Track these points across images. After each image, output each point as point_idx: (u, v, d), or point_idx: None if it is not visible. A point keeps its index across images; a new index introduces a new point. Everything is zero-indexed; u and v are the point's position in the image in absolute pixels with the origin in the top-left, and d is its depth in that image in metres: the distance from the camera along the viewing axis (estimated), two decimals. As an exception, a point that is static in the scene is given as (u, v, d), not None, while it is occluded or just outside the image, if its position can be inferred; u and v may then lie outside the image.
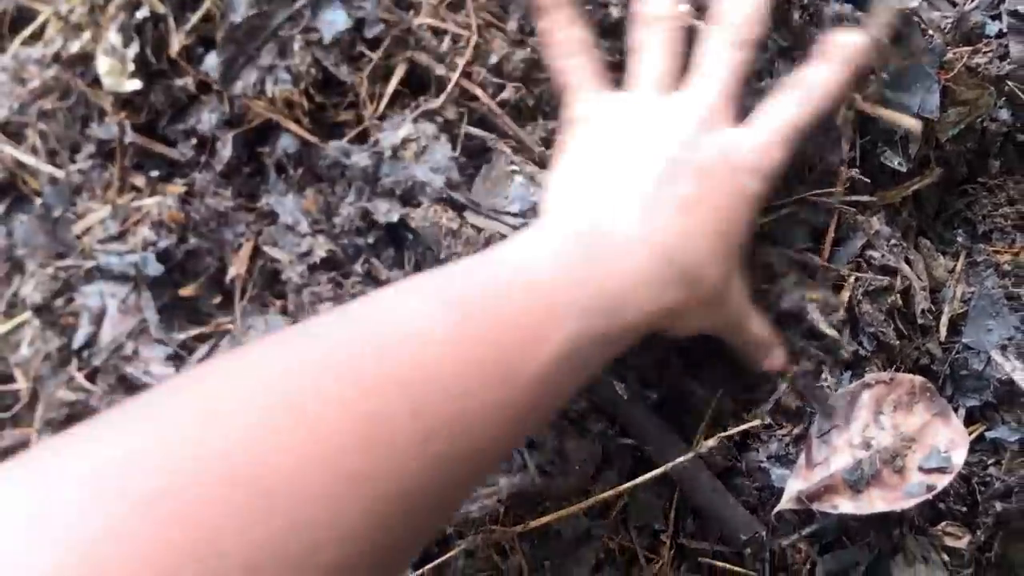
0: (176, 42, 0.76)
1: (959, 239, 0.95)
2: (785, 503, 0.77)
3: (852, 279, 0.84)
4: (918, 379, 0.81)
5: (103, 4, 0.80)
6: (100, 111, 0.82)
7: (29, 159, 0.85)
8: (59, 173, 0.83)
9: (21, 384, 0.82)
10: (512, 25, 0.77)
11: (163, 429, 0.40)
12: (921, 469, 0.78)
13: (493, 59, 0.76)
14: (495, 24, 0.77)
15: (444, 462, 0.46)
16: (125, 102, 0.80)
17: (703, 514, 0.78)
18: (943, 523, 0.84)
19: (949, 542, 0.84)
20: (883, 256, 0.87)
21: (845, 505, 0.77)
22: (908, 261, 0.88)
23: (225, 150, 0.78)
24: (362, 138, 0.77)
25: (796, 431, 0.80)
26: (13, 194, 0.88)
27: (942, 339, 0.88)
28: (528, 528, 0.71)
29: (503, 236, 0.76)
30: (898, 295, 0.84)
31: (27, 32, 0.88)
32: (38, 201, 0.84)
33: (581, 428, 0.76)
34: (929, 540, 0.84)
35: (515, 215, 0.76)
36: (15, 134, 0.86)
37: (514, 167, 0.76)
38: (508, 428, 0.51)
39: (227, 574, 0.35)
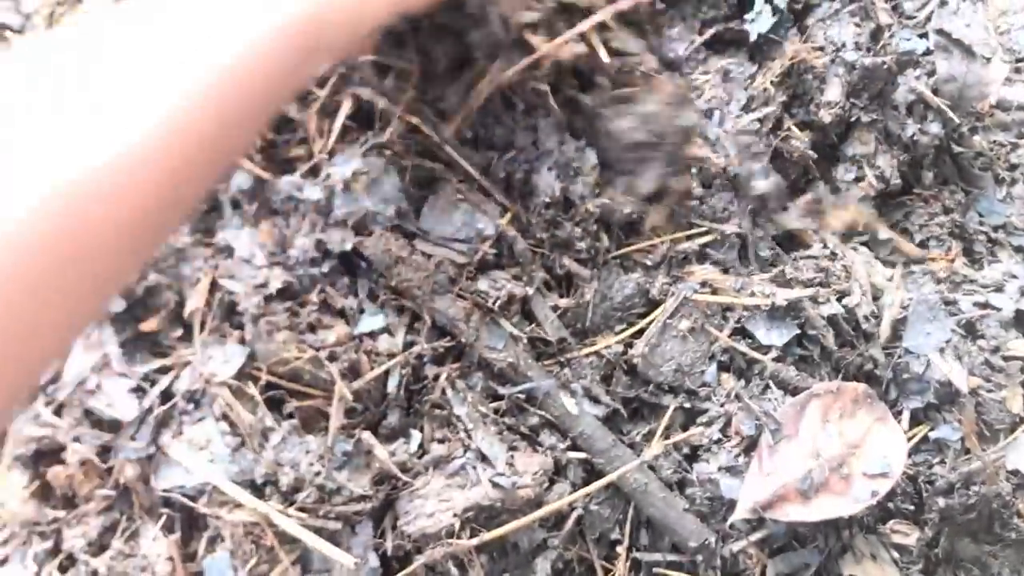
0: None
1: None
2: (740, 513, 0.80)
3: (798, 284, 0.88)
4: (860, 386, 0.84)
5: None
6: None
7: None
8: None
9: (-10, 422, 0.83)
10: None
11: None
12: (865, 475, 0.81)
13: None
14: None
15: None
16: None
17: (655, 524, 0.81)
18: (892, 521, 0.87)
19: (898, 539, 0.87)
20: (823, 263, 0.91)
21: (796, 512, 0.80)
22: (847, 269, 0.91)
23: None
24: (314, 172, 0.80)
25: (745, 442, 0.82)
26: (-21, 238, 0.89)
27: (883, 344, 0.92)
28: (485, 541, 0.73)
29: (451, 262, 0.79)
30: (835, 301, 0.87)
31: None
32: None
33: (533, 442, 0.79)
34: (879, 538, 0.87)
35: (462, 241, 0.79)
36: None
37: (459, 196, 0.80)
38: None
39: None
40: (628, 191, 0.82)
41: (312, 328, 0.77)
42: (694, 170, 0.86)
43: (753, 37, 0.93)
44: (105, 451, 0.76)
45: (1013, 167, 1.21)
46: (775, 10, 0.92)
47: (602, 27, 0.78)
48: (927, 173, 1.04)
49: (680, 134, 0.81)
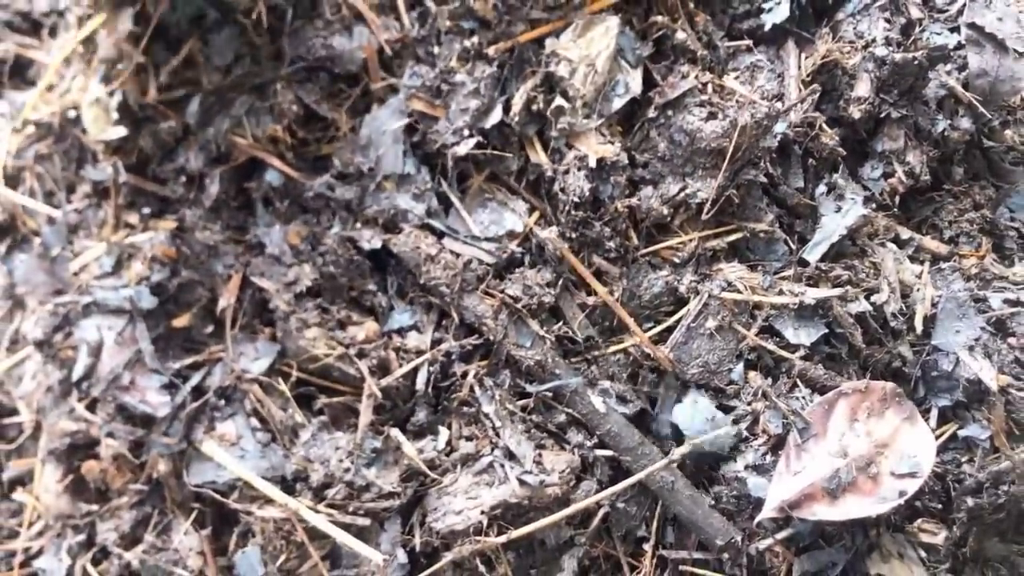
0: (153, 89, 0.79)
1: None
2: (767, 512, 0.80)
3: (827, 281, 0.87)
4: (889, 385, 0.83)
5: (90, 55, 0.84)
6: (93, 153, 0.86)
7: (28, 201, 0.88)
8: (56, 213, 0.87)
9: (25, 416, 0.85)
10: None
11: None
12: (893, 474, 0.81)
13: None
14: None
15: None
16: (117, 146, 0.84)
17: (682, 521, 0.81)
18: (919, 520, 0.87)
19: (926, 538, 0.86)
20: (852, 261, 0.90)
21: (823, 512, 0.80)
22: (876, 266, 0.91)
23: (213, 186, 0.82)
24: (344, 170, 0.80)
25: (772, 441, 0.82)
26: (13, 235, 0.91)
27: (912, 341, 0.91)
28: (512, 538, 0.74)
29: (480, 261, 0.79)
30: (864, 299, 0.87)
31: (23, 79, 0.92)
32: (37, 241, 0.87)
33: (560, 440, 0.79)
34: (906, 537, 0.87)
35: (490, 240, 0.79)
36: (13, 177, 0.90)
37: (487, 195, 0.80)
38: None
39: None
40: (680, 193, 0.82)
41: (342, 325, 0.77)
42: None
43: (767, 27, 0.92)
44: (138, 446, 0.77)
45: (1045, 161, 1.20)
46: (794, 1, 0.91)
47: None
48: (957, 169, 1.03)
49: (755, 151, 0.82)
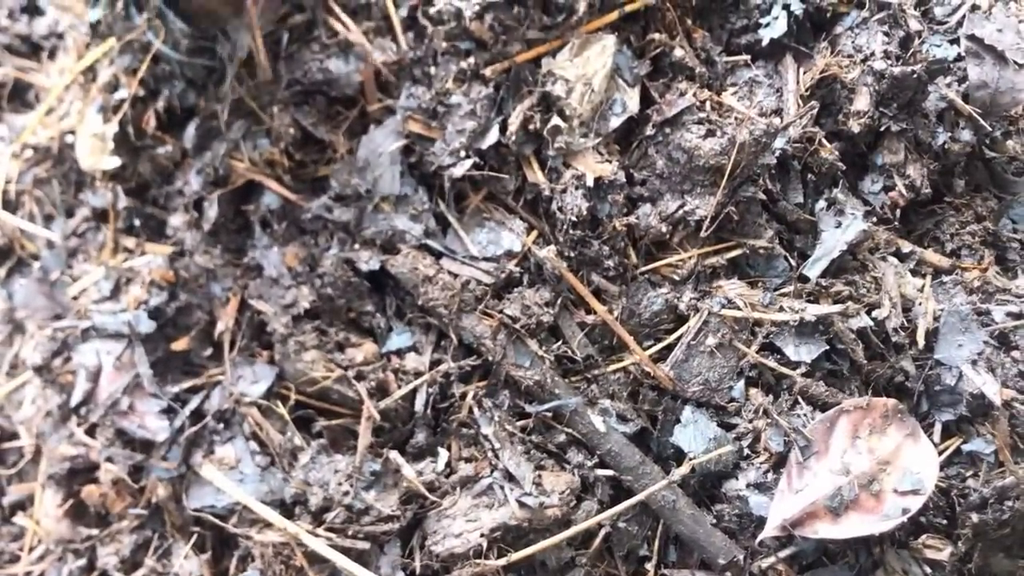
0: (152, 119, 0.80)
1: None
2: (769, 531, 0.79)
3: (828, 297, 0.87)
4: (891, 401, 0.83)
5: (88, 83, 0.84)
6: (92, 178, 0.86)
7: (27, 225, 0.89)
8: (55, 237, 0.87)
9: (25, 441, 0.85)
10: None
11: None
12: (896, 492, 0.80)
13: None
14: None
15: None
16: (115, 172, 0.84)
17: (684, 540, 0.80)
18: (924, 536, 0.86)
19: (930, 555, 0.86)
20: (852, 276, 0.90)
21: (826, 530, 0.79)
22: (877, 281, 0.90)
23: (211, 210, 0.82)
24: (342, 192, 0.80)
25: (774, 458, 0.82)
26: (12, 258, 0.91)
27: (915, 355, 0.90)
28: (512, 561, 0.73)
29: (478, 281, 0.79)
30: (865, 314, 0.86)
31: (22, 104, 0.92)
32: (36, 265, 0.88)
33: (560, 460, 0.79)
34: (910, 554, 0.86)
35: (488, 259, 0.79)
36: (12, 201, 0.90)
37: (485, 215, 0.80)
38: None
39: None
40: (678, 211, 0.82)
41: (340, 347, 0.77)
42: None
43: (765, 42, 0.92)
44: (137, 470, 0.77)
45: (1048, 171, 1.19)
46: (791, 16, 0.90)
47: None
48: (958, 181, 1.03)
49: (754, 168, 0.81)
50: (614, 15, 0.82)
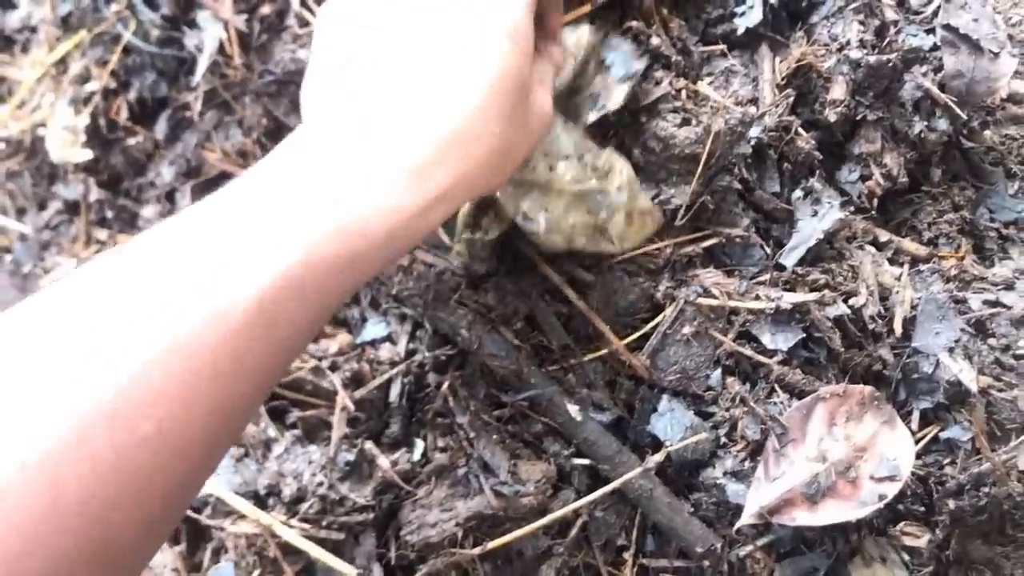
0: (123, 111, 0.79)
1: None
2: (746, 519, 0.79)
3: (804, 285, 0.87)
4: (867, 389, 0.83)
5: (60, 74, 0.83)
6: (64, 170, 0.85)
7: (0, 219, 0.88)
8: (28, 231, 0.87)
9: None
10: None
11: None
12: (873, 478, 0.80)
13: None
14: None
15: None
16: (87, 165, 0.84)
17: (662, 529, 0.80)
18: (902, 523, 0.86)
19: (908, 542, 0.86)
20: (829, 264, 0.90)
21: (803, 517, 0.79)
22: (854, 269, 0.91)
23: (184, 200, 0.82)
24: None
25: (751, 446, 0.82)
26: (-16, 251, 0.91)
27: (892, 344, 0.91)
28: (488, 550, 0.73)
29: (453, 272, 0.79)
30: (842, 302, 0.86)
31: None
32: (8, 257, 0.87)
33: (537, 449, 0.79)
34: (888, 541, 0.86)
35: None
36: (-16, 194, 0.90)
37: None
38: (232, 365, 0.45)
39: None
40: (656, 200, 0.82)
41: (315, 337, 0.77)
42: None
43: (741, 31, 0.92)
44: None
45: (1025, 161, 1.20)
46: (767, 5, 0.90)
47: None
48: (935, 170, 1.03)
49: (729, 157, 0.82)
50: (587, 7, 0.82)
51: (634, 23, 0.84)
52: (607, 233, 0.78)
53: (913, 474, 0.86)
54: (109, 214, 0.81)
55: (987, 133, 1.15)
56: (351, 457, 0.74)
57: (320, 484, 0.72)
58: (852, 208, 0.96)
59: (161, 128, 0.81)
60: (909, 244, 0.97)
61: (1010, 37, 1.27)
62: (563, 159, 0.72)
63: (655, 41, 0.84)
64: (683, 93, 0.84)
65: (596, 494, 0.76)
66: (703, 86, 0.86)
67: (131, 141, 0.81)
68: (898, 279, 0.95)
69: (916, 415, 0.90)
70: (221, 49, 0.78)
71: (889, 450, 0.81)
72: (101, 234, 0.83)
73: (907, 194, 1.02)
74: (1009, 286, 0.97)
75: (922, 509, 0.87)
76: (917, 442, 0.89)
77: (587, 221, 0.76)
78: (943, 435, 0.90)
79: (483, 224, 0.75)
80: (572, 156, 0.72)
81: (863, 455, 0.81)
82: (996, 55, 0.99)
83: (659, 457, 0.76)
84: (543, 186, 0.71)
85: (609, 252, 0.80)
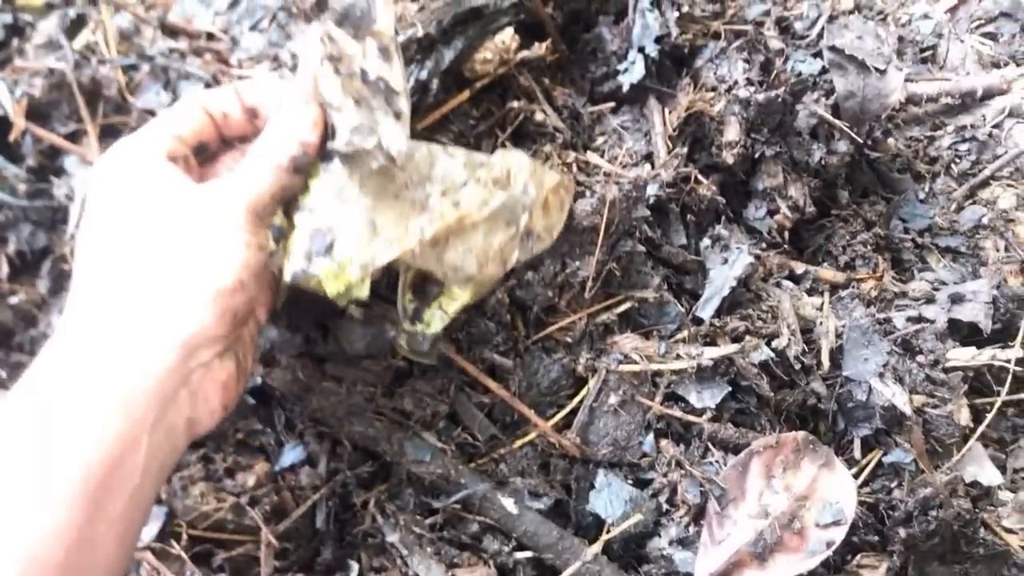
0: (3, 267, 0.77)
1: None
2: (697, 588, 0.78)
3: (724, 335, 0.86)
4: (800, 435, 0.82)
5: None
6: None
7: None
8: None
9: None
10: None
11: None
12: (818, 525, 0.79)
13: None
14: None
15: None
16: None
17: (615, 608, 0.79)
18: (859, 556, 0.85)
19: (867, 574, 0.85)
20: (747, 310, 0.89)
21: (754, 577, 0.78)
22: (772, 310, 0.90)
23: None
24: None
25: (693, 511, 0.80)
26: None
27: (824, 375, 0.90)
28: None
29: (364, 381, 0.77)
30: (765, 346, 0.86)
31: None
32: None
33: (476, 551, 0.77)
34: (847, 576, 0.85)
35: (371, 357, 0.77)
36: None
37: (366, 309, 0.78)
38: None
39: None
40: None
41: (230, 472, 0.75)
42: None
43: (626, 88, 0.91)
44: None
45: (932, 160, 1.21)
46: (648, 59, 0.90)
47: None
48: (842, 192, 1.03)
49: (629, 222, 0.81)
50: (466, 93, 0.80)
51: (516, 103, 0.83)
52: (533, 232, 0.75)
53: (862, 503, 0.85)
54: (3, 373, 0.78)
55: (891, 141, 1.16)
56: (284, 592, 0.72)
57: (254, 628, 0.70)
58: (764, 245, 0.96)
59: (43, 282, 0.78)
60: (826, 272, 0.97)
61: (900, 39, 1.29)
62: (461, 188, 0.68)
63: (539, 118, 0.83)
64: (574, 166, 0.83)
65: (545, 588, 0.74)
66: (593, 156, 0.85)
67: (13, 300, 0.78)
68: (819, 309, 0.95)
69: (857, 443, 0.90)
70: (92, 193, 0.75)
71: (831, 494, 0.81)
72: (-3, 396, 0.80)
73: (818, 220, 1.02)
74: (930, 299, 0.98)
75: (876, 538, 0.86)
76: (861, 470, 0.89)
77: (510, 234, 0.73)
78: (886, 459, 0.90)
79: (425, 317, 0.73)
80: (468, 180, 0.69)
81: (805, 503, 0.80)
82: (883, 72, 1.00)
83: (596, 549, 0.75)
84: (455, 229, 0.68)
85: (544, 248, 0.77)
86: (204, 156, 0.66)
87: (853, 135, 0.97)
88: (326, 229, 0.62)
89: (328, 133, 0.63)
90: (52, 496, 0.49)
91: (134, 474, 0.53)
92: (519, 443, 0.81)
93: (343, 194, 0.63)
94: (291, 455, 0.76)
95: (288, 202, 0.63)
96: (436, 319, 0.72)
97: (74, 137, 0.78)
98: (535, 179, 0.73)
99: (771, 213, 0.96)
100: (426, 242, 0.66)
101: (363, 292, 0.63)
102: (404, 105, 0.65)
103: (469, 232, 0.69)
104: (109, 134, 0.79)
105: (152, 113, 0.82)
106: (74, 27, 0.82)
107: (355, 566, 0.74)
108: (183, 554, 0.72)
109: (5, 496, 0.49)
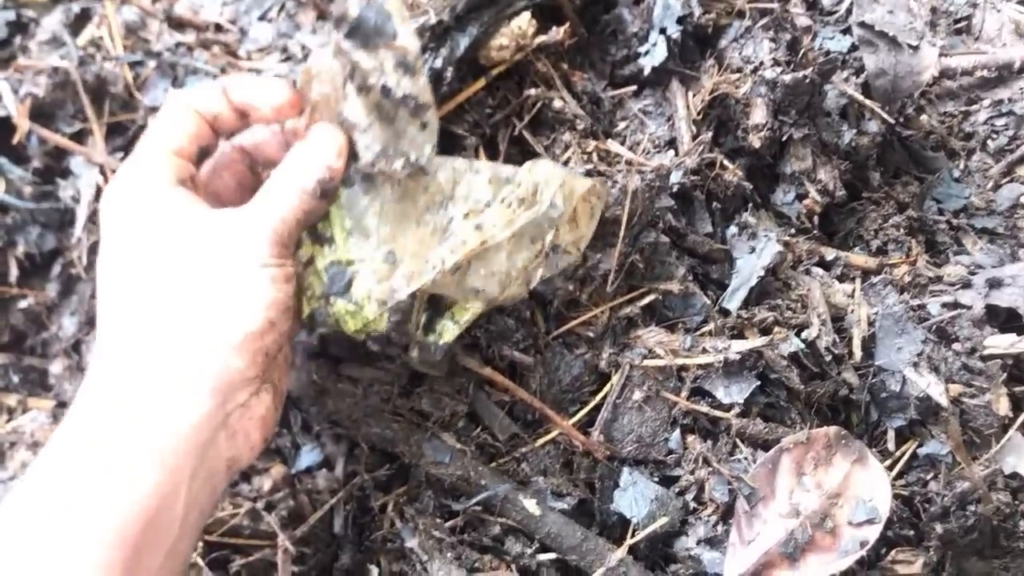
0: (14, 269, 0.75)
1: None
2: (726, 590, 0.76)
3: (752, 327, 0.83)
4: (832, 429, 0.79)
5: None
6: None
7: None
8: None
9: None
10: None
11: None
12: (851, 524, 0.77)
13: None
14: None
15: None
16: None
17: (641, 610, 0.77)
18: (894, 551, 0.83)
19: (902, 570, 0.83)
20: (776, 300, 0.86)
21: (785, 578, 0.76)
22: (802, 299, 0.87)
23: (91, 352, 0.78)
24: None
25: (721, 509, 0.78)
26: None
27: (856, 364, 0.87)
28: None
29: (381, 382, 0.75)
30: (795, 336, 0.83)
31: None
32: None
33: (499, 553, 0.75)
34: (881, 573, 0.83)
35: (389, 358, 0.75)
36: None
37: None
38: None
39: None
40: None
41: (246, 476, 0.73)
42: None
43: (647, 71, 0.88)
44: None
45: (967, 136, 1.16)
46: (670, 41, 0.87)
47: None
48: (874, 173, 0.99)
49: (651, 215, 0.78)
50: (482, 82, 0.78)
51: (532, 91, 0.80)
52: (560, 247, 0.72)
53: (897, 496, 0.83)
54: (16, 378, 0.77)
55: (923, 118, 1.12)
56: (303, 599, 0.70)
57: (272, 637, 0.68)
58: (792, 231, 0.93)
59: (53, 285, 0.77)
60: (857, 258, 0.94)
61: (933, 10, 1.24)
62: (485, 210, 0.66)
63: (557, 105, 0.80)
64: (594, 155, 0.80)
65: (570, 593, 0.72)
66: (614, 144, 0.82)
67: (22, 304, 0.77)
68: (851, 296, 0.91)
69: (891, 434, 0.87)
70: (99, 195, 0.74)
71: (864, 490, 0.78)
72: (11, 400, 0.79)
73: (848, 204, 0.98)
74: (966, 284, 0.94)
75: (912, 532, 0.83)
76: (895, 462, 0.86)
77: (535, 251, 0.70)
78: (922, 451, 0.86)
79: (437, 327, 0.71)
80: (493, 201, 0.66)
81: (837, 501, 0.77)
82: (915, 48, 0.96)
83: (620, 554, 0.72)
84: (477, 253, 0.66)
85: (571, 263, 0.74)
86: (204, 158, 0.64)
87: (884, 115, 0.93)
88: (344, 263, 0.60)
89: (350, 155, 0.61)
90: (88, 560, 0.48)
91: (172, 526, 0.51)
92: (541, 441, 0.79)
93: (362, 223, 0.61)
94: (308, 457, 0.74)
95: (308, 229, 0.61)
96: (448, 330, 0.70)
97: (79, 137, 0.77)
98: (564, 189, 0.69)
99: (800, 198, 0.93)
100: (447, 271, 0.64)
101: (381, 326, 0.63)
102: (433, 118, 0.62)
103: (492, 254, 0.67)
104: (116, 132, 0.78)
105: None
106: (78, 22, 0.81)
107: (375, 571, 0.73)
108: (199, 560, 0.71)
109: (38, 563, 0.48)
